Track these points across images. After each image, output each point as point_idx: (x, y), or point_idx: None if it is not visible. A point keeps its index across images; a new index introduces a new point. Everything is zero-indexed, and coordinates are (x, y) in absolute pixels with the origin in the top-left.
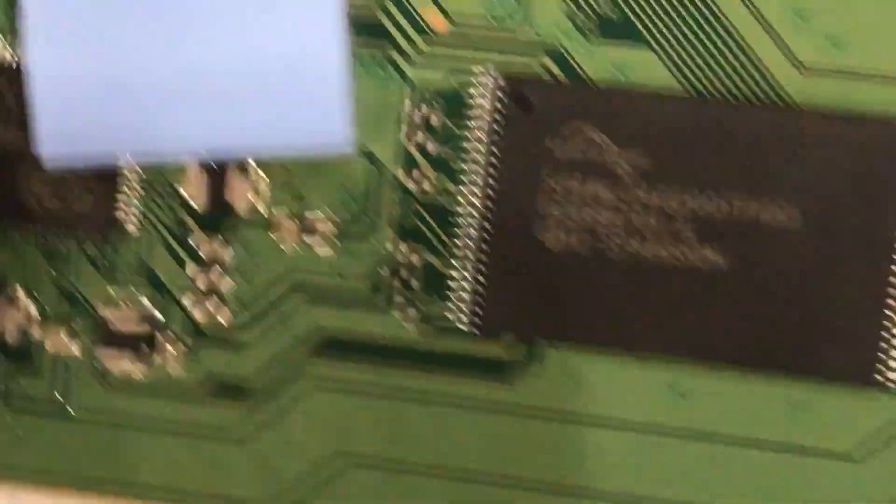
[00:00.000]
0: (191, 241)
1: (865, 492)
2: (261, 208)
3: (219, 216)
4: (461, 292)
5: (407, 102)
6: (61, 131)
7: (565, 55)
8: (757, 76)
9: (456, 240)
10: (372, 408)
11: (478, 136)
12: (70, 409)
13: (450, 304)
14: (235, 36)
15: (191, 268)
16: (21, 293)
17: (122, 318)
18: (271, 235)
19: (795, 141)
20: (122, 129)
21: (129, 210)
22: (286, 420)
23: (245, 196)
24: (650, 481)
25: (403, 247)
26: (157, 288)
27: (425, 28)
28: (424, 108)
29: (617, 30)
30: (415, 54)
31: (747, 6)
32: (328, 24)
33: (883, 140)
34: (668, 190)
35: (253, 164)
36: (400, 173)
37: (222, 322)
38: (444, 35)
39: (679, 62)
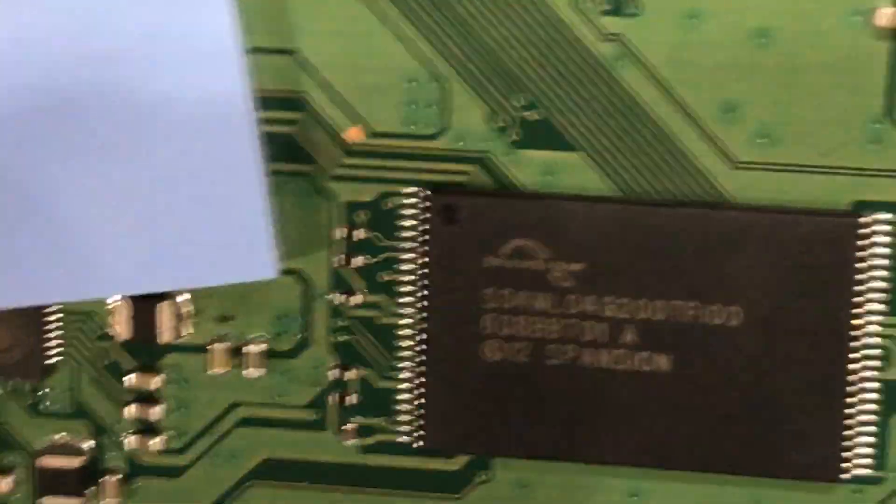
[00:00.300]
0: (119, 373)
1: None
2: (188, 334)
3: (146, 345)
4: (402, 407)
5: (332, 219)
6: None
7: (490, 163)
8: (689, 173)
9: (393, 354)
10: None
11: (408, 249)
12: None
13: (391, 421)
14: (152, 174)
15: (121, 399)
16: None
17: (53, 456)
18: (201, 361)
19: (731, 237)
20: (41, 273)
21: (54, 346)
22: None
23: (171, 323)
24: None
25: (338, 364)
26: (88, 422)
27: (344, 142)
28: (350, 224)
29: (541, 134)
30: (336, 170)
31: (674, 102)
32: (245, 150)
33: (820, 232)
34: (606, 295)
35: (179, 294)
36: (330, 290)
37: (157, 451)
38: (364, 148)
39: (608, 163)
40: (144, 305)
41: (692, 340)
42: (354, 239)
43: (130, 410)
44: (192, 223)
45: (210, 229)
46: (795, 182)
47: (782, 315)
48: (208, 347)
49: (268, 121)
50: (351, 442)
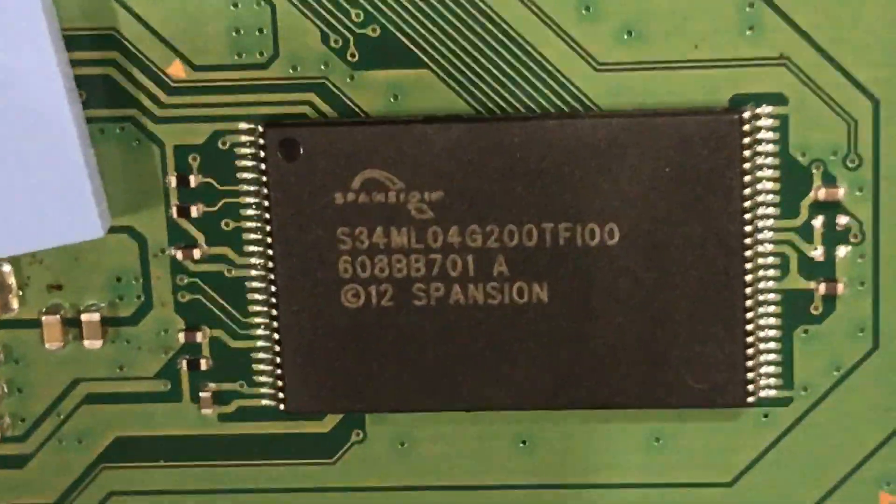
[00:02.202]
0: None
1: None
2: (14, 307)
3: None
4: (260, 368)
5: (162, 166)
6: None
7: (329, 89)
8: (548, 81)
9: (244, 310)
10: None
11: (247, 191)
12: None
13: (249, 384)
14: None
15: None
16: None
17: None
18: (34, 336)
19: (600, 148)
20: None
21: None
22: None
23: None
24: None
25: (184, 326)
26: None
27: (166, 78)
28: (182, 170)
29: (383, 51)
30: (158, 110)
31: (526, 5)
32: (55, 95)
33: (699, 133)
34: (470, 224)
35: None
36: (167, 245)
37: None
38: (189, 84)
39: (458, 78)
40: None
41: (569, 265)
42: (189, 186)
43: None
44: (4, 184)
45: (25, 189)
46: (667, 81)
47: (665, 229)
48: (38, 321)
49: (79, 62)
50: (208, 411)
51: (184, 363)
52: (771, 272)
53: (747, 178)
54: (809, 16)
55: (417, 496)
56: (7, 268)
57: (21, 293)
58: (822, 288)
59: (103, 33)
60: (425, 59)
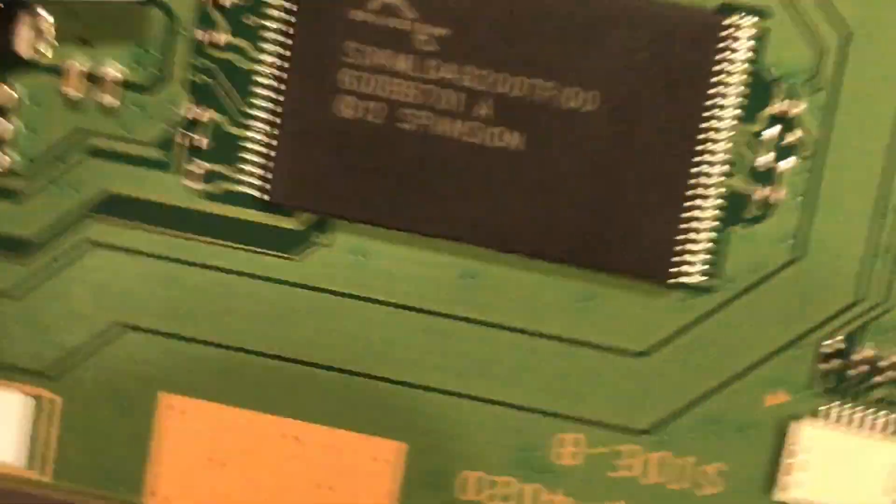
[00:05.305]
0: None
1: (650, 385)
2: (48, 54)
3: (3, 59)
4: (251, 157)
5: None
6: None
7: None
8: None
9: (250, 101)
10: (152, 272)
11: None
12: None
13: (237, 170)
14: None
15: None
16: None
17: None
18: (54, 83)
19: (597, 23)
20: None
21: None
22: (63, 278)
23: (31, 40)
24: (433, 368)
25: (193, 105)
26: None
27: None
28: None
29: None
30: None
31: None
32: None
33: (681, 25)
34: (467, 64)
35: (40, 7)
36: (195, 28)
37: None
38: None
39: None
40: (4, 19)
41: (547, 121)
42: None
43: None
44: None
45: None
46: None
47: (637, 106)
48: (66, 70)
49: None
50: (194, 185)
51: (183, 137)
52: (718, 168)
53: (716, 79)
54: None
55: (366, 307)
56: (48, 18)
57: (55, 43)
58: (763, 193)
59: None
60: None
